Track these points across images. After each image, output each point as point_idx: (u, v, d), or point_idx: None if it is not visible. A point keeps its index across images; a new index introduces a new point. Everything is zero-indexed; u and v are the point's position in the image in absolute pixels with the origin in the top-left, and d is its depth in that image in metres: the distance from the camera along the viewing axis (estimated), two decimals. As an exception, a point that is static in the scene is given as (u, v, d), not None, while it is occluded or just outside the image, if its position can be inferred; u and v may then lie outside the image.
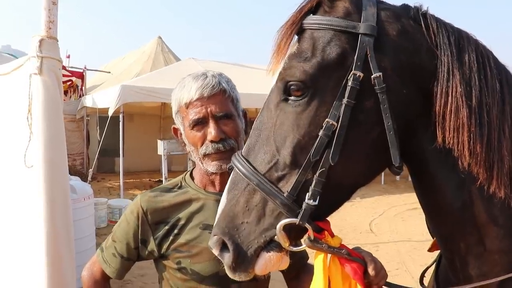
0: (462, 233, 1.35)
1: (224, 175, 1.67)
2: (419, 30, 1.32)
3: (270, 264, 1.29)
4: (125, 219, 1.74)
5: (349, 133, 1.23)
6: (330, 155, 1.22)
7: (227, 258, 1.30)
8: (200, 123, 1.65)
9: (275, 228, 1.25)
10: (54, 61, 1.83)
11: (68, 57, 15.78)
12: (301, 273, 1.81)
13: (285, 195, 1.24)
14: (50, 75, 1.80)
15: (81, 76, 15.38)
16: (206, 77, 1.67)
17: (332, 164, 1.22)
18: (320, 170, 1.23)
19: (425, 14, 1.35)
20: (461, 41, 1.32)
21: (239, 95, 1.77)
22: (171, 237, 1.68)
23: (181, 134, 1.76)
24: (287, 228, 1.25)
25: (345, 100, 1.22)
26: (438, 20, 1.35)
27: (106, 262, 1.75)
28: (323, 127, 1.23)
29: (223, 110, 1.65)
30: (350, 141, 1.24)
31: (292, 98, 1.27)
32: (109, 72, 17.53)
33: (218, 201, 1.63)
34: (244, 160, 1.30)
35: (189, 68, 12.48)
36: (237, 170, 1.30)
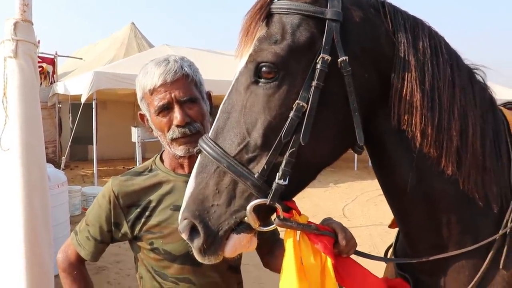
0: (415, 208, 1.46)
1: (192, 158, 1.71)
2: (379, 17, 1.38)
3: (240, 245, 1.32)
4: (97, 203, 1.77)
5: (318, 114, 1.28)
6: (301, 135, 1.26)
7: (196, 242, 1.32)
8: (165, 109, 1.66)
9: (245, 209, 1.28)
10: (29, 45, 1.83)
11: (38, 42, 15.36)
12: (274, 248, 1.86)
13: (255, 176, 1.27)
14: (26, 58, 1.80)
15: (52, 62, 15.02)
16: (169, 62, 1.68)
17: (302, 144, 1.26)
18: (290, 151, 1.27)
19: (383, 2, 1.41)
20: (416, 28, 1.39)
21: (202, 78, 1.78)
22: (143, 219, 1.71)
23: (147, 120, 1.78)
24: (256, 209, 1.28)
25: (314, 83, 1.27)
26: (395, 8, 1.42)
27: (81, 245, 1.78)
28: (294, 109, 1.26)
29: (187, 94, 1.67)
30: (319, 122, 1.29)
31: (262, 80, 1.29)
32: (81, 59, 17.18)
33: (187, 182, 1.69)
34: (213, 143, 1.32)
35: (163, 54, 12.35)
36: (206, 153, 1.32)
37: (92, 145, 11.33)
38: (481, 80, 1.51)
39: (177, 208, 1.66)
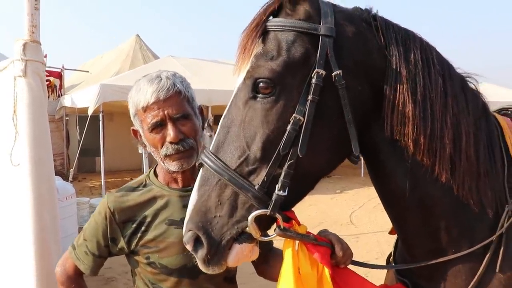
0: (411, 214, 1.50)
1: (185, 172, 1.76)
2: (371, 31, 1.43)
3: (242, 255, 1.36)
4: (94, 220, 1.80)
5: (314, 127, 1.33)
6: (299, 148, 1.30)
7: (200, 253, 1.35)
8: (158, 126, 1.68)
9: (247, 219, 1.32)
10: (38, 64, 1.91)
11: (45, 56, 15.45)
12: (269, 257, 1.89)
13: (256, 188, 1.32)
14: (34, 77, 1.87)
15: (59, 75, 15.19)
16: (161, 79, 1.70)
17: (300, 156, 1.31)
18: (289, 162, 1.31)
19: (375, 16, 1.46)
20: (407, 41, 1.44)
21: (194, 93, 1.81)
22: (139, 234, 1.74)
23: (140, 135, 1.80)
24: (257, 219, 1.32)
25: (310, 96, 1.32)
26: (386, 22, 1.47)
27: (79, 259, 1.81)
28: (291, 122, 1.31)
29: (180, 111, 1.69)
30: (315, 134, 1.33)
31: (260, 95, 1.34)
32: (88, 71, 17.39)
33: (181, 197, 1.71)
34: (214, 157, 1.36)
35: (168, 66, 12.45)
36: (207, 167, 1.36)
37: (100, 157, 11.42)
38: (473, 87, 1.55)
39: (172, 223, 1.72)
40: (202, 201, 1.37)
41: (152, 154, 1.77)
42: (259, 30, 1.38)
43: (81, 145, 11.70)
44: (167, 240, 1.72)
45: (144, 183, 1.84)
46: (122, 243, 1.76)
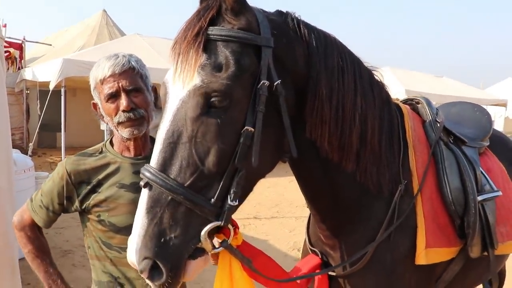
0: (322, 195, 1.73)
1: (137, 140, 1.95)
2: (297, 40, 1.49)
3: (198, 269, 1.37)
4: (52, 179, 1.98)
5: (262, 136, 1.35)
6: (253, 159, 1.32)
7: (158, 281, 1.30)
8: (113, 96, 1.88)
9: (201, 235, 1.31)
10: (-5, 37, 2.02)
11: (5, 26, 14.70)
12: None
13: (212, 202, 1.31)
14: (-8, 49, 1.99)
15: (19, 47, 14.77)
16: (118, 57, 1.92)
17: (254, 166, 1.33)
18: (241, 173, 1.33)
19: (299, 23, 1.52)
20: (327, 48, 1.54)
21: (148, 72, 2.01)
22: (92, 195, 1.93)
23: (99, 108, 1.99)
24: (208, 232, 1.32)
25: (258, 107, 1.33)
26: (308, 28, 1.54)
27: (35, 211, 2.00)
28: (243, 134, 1.31)
29: (133, 84, 1.89)
30: (263, 143, 1.36)
31: (213, 110, 1.31)
32: (50, 45, 16.95)
33: (132, 164, 1.93)
34: (164, 175, 1.30)
35: (134, 44, 12.37)
36: (158, 186, 1.29)
37: (61, 132, 11.29)
38: (379, 79, 1.73)
39: (122, 186, 1.92)
40: (154, 224, 1.30)
41: (108, 123, 1.95)
42: (201, 39, 1.32)
43: (41, 120, 11.47)
44: (117, 201, 1.91)
45: (100, 150, 2.04)
46: (76, 203, 1.95)
